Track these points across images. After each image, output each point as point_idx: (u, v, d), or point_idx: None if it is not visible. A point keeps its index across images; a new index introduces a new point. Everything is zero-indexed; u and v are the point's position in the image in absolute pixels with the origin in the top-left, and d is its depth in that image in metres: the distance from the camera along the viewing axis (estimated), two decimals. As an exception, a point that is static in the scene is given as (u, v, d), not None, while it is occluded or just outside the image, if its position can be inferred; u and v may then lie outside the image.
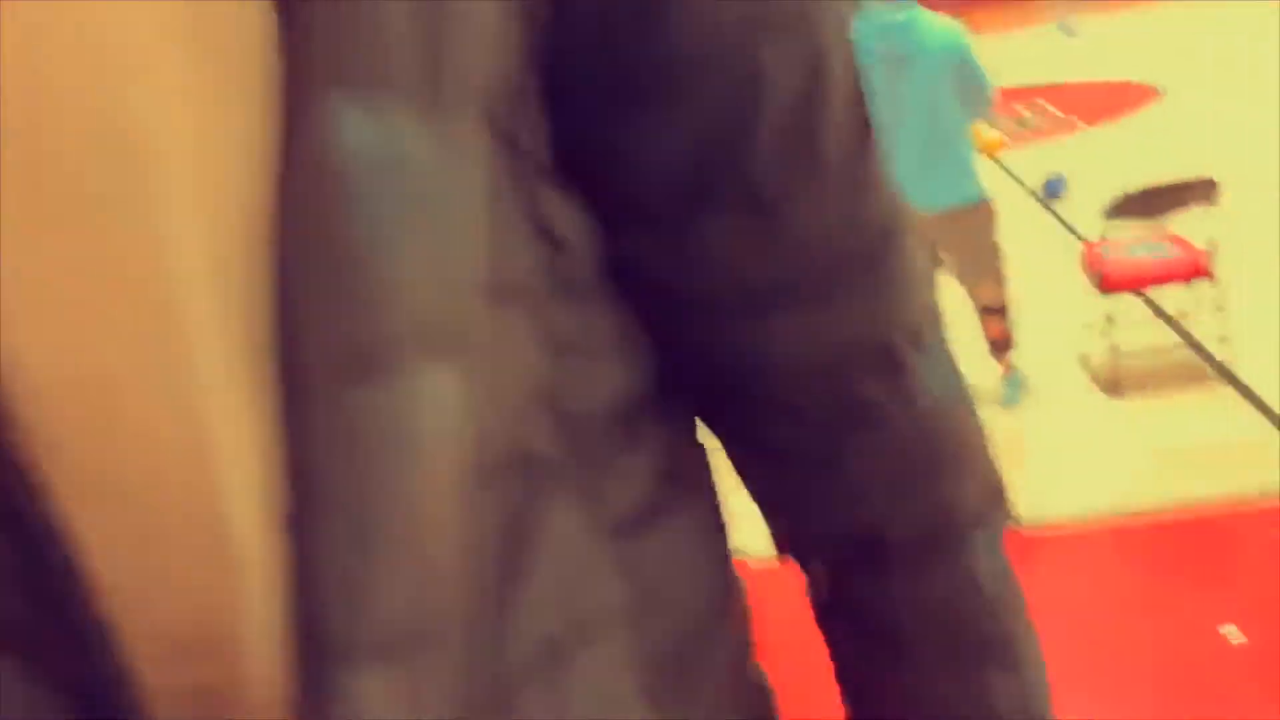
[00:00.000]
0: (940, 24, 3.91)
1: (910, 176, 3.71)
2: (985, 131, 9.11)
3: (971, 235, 3.98)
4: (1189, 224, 4.23)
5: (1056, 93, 10.67)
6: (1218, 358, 4.13)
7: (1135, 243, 4.40)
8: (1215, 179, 4.16)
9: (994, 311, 4.07)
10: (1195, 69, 10.45)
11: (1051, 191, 6.69)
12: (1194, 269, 4.17)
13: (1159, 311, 4.65)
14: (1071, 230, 4.21)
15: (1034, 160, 7.64)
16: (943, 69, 3.86)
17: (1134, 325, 4.39)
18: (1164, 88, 9.82)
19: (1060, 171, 6.82)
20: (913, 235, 0.47)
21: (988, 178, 7.95)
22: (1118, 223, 4.24)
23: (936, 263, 3.97)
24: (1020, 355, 4.11)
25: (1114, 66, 11.52)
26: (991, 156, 8.43)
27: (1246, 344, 4.04)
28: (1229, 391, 3.93)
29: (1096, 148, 8.14)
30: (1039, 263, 5.15)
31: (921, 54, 3.83)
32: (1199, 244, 4.17)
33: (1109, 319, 4.16)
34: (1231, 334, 4.05)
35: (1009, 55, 14.15)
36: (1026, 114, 9.75)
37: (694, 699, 0.45)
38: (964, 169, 4.04)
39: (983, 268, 4.03)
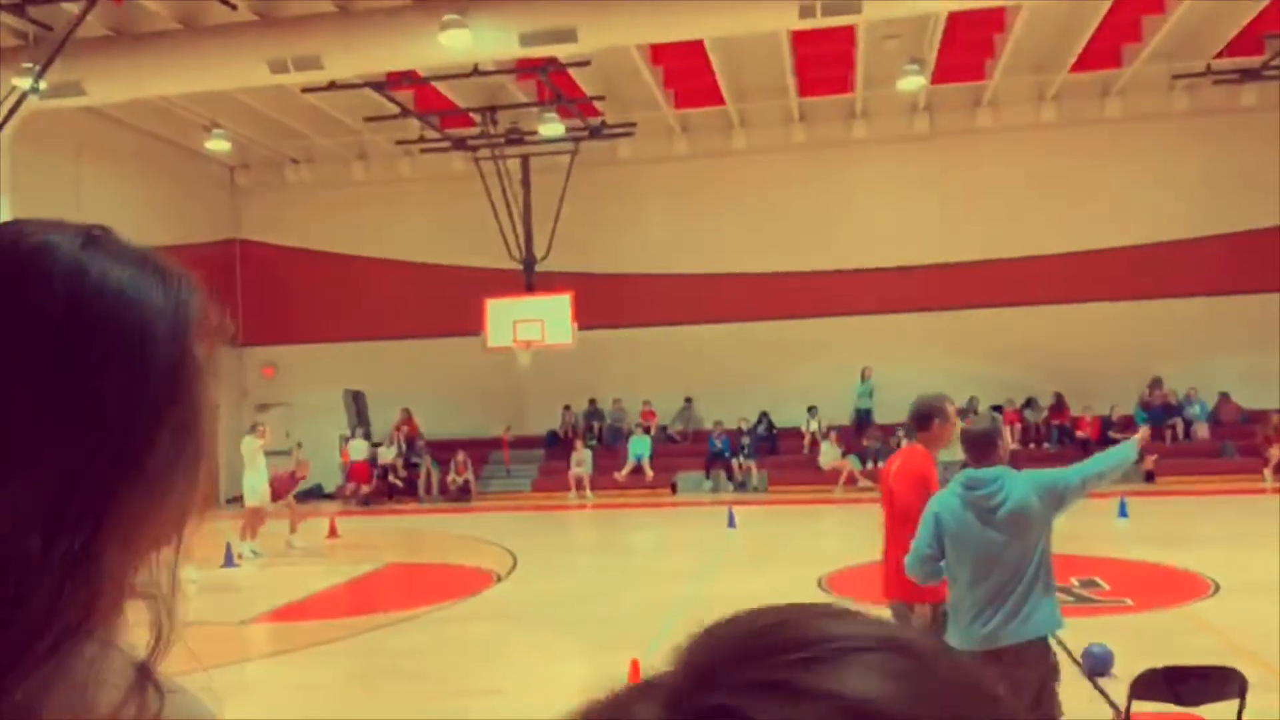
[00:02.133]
0: (1022, 477, 4.49)
1: (1014, 609, 4.27)
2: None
3: (1036, 679, 4.30)
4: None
5: (1110, 569, 11.06)
6: None
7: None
8: (1244, 673, 4.44)
9: None
10: (1250, 571, 10.79)
11: (1095, 663, 6.90)
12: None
13: (1191, 798, 4.73)
14: (1111, 703, 4.47)
15: (1084, 631, 7.92)
16: (1031, 512, 4.34)
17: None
18: (1217, 582, 10.14)
19: (1106, 645, 7.07)
20: None
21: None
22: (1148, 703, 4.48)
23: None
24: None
25: (1172, 553, 11.94)
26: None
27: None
28: None
29: (1147, 630, 8.37)
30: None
31: (1016, 500, 4.33)
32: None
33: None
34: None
35: (1072, 526, 14.72)
36: (1078, 585, 10.11)
37: None
38: (1046, 603, 4.43)
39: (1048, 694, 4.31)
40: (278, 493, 15.54)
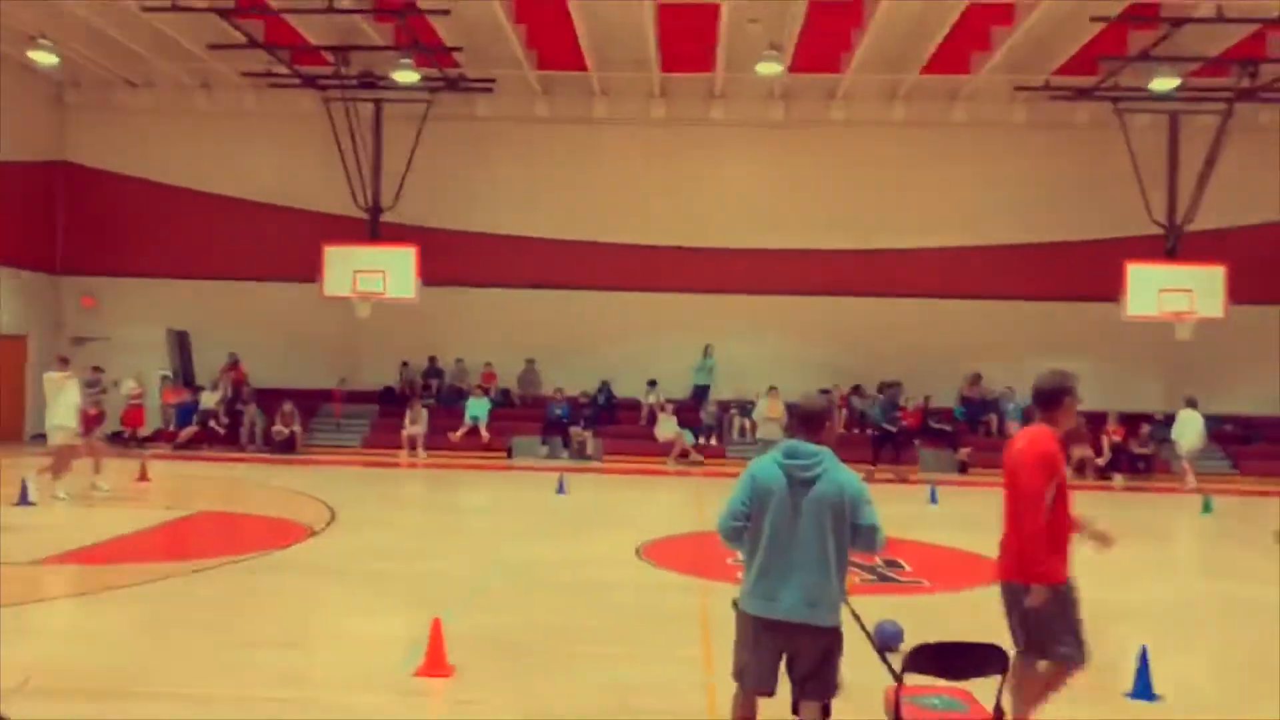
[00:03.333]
0: (846, 473, 4.54)
1: (803, 587, 4.36)
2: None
3: (818, 653, 4.46)
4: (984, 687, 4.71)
5: (914, 552, 11.58)
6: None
7: (934, 694, 4.86)
8: (1007, 650, 4.70)
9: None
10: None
11: (885, 639, 7.21)
12: (984, 730, 4.59)
13: (951, 764, 4.98)
14: (894, 674, 4.67)
15: (880, 608, 8.28)
16: (836, 504, 4.43)
17: (927, 774, 4.71)
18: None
19: (898, 622, 7.40)
20: None
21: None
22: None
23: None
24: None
25: (971, 540, 12.57)
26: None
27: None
28: None
29: (939, 610, 8.80)
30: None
31: (828, 482, 4.43)
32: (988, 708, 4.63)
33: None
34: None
35: (884, 510, 15.34)
36: (882, 565, 10.55)
37: None
38: (840, 597, 4.52)
39: (819, 688, 4.49)
40: (83, 431, 14.67)
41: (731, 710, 4.74)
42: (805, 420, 4.61)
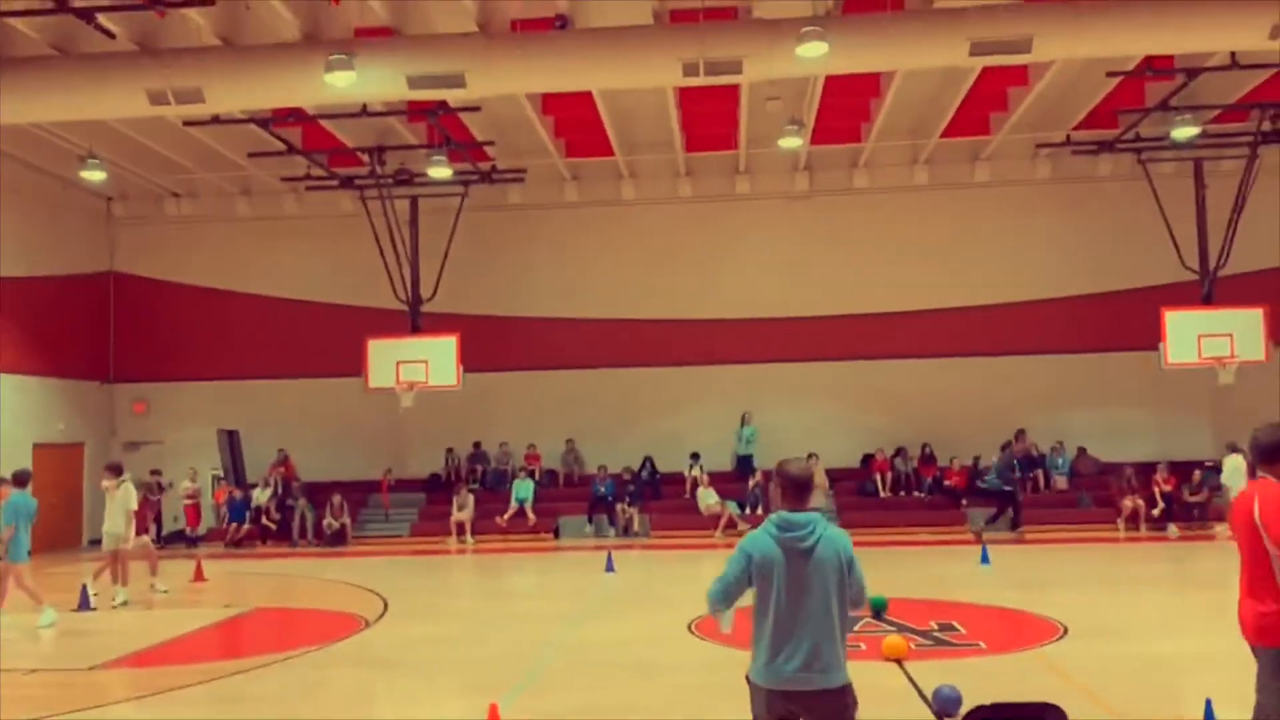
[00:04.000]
0: (835, 531, 4.63)
1: (813, 654, 4.42)
2: (890, 637, 9.80)
3: (836, 714, 4.48)
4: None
5: (968, 614, 11.48)
6: None
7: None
8: (1078, 712, 4.72)
9: None
10: (1099, 615, 11.35)
11: (943, 703, 7.18)
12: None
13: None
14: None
15: (936, 672, 8.24)
16: (836, 568, 4.50)
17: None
18: (1066, 626, 10.63)
19: (956, 686, 7.36)
20: None
21: (890, 678, 8.48)
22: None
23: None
24: None
25: (1025, 598, 12.45)
26: (896, 659, 9.03)
27: None
28: None
29: (997, 672, 8.73)
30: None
31: (825, 548, 4.49)
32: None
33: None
34: None
35: (935, 573, 15.22)
36: (936, 629, 10.47)
37: None
38: (842, 654, 4.57)
39: None
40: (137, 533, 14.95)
41: None
42: (795, 488, 4.62)
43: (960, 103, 19.12)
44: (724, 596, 4.64)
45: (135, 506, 14.40)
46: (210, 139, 19.87)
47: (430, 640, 10.90)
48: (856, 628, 10.72)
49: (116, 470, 14.60)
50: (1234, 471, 19.12)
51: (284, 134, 19.33)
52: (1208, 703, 6.46)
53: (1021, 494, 20.85)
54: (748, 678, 4.64)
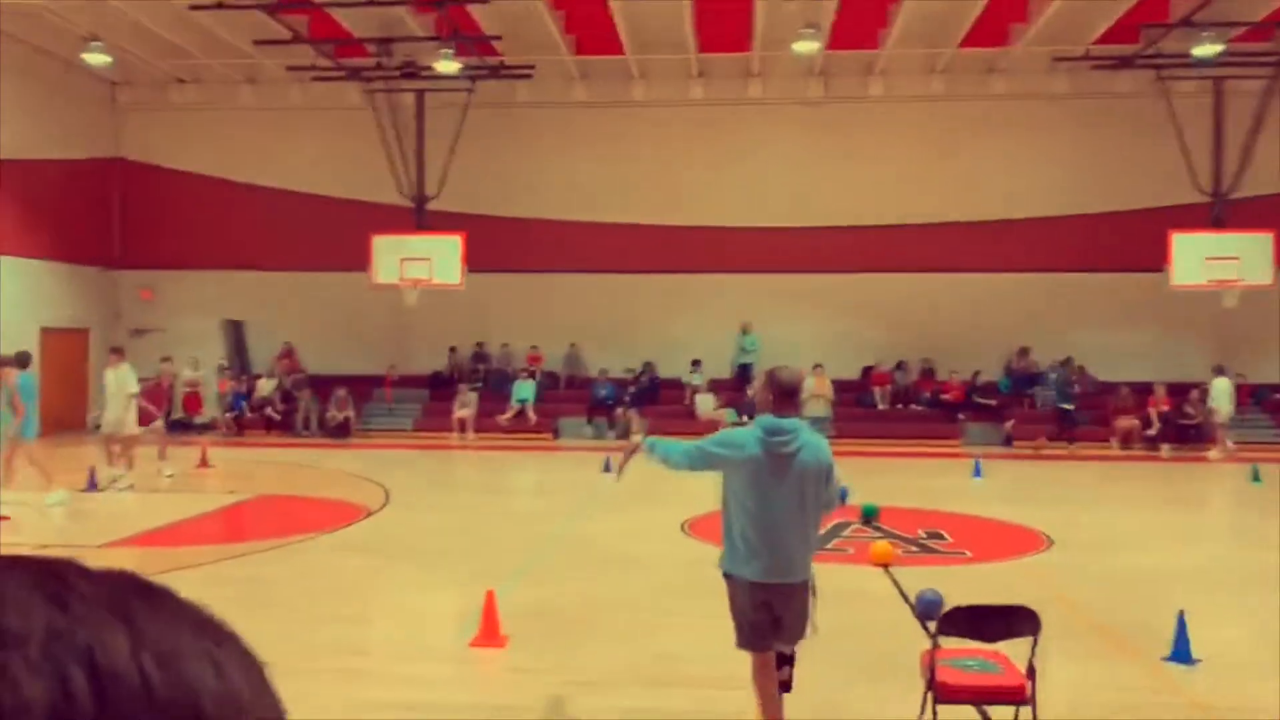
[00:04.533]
0: (816, 438, 4.90)
1: (792, 550, 4.80)
2: (878, 543, 10.01)
3: (801, 604, 4.92)
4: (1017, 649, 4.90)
5: (957, 524, 11.73)
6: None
7: (969, 656, 5.06)
8: (1037, 613, 4.89)
9: (786, 659, 4.95)
10: (1084, 530, 11.58)
11: (926, 607, 7.40)
12: (1018, 692, 4.80)
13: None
14: (931, 638, 4.89)
15: (921, 577, 8.47)
16: (816, 474, 4.80)
17: (960, 731, 4.92)
18: (1052, 539, 10.87)
19: (939, 591, 7.57)
20: None
21: (877, 582, 8.70)
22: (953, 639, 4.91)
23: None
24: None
25: (1014, 512, 12.69)
26: (883, 564, 9.26)
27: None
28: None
29: (980, 580, 8.96)
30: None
31: (808, 453, 4.79)
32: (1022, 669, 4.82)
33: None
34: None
35: (928, 484, 15.47)
36: (924, 537, 10.72)
37: None
38: (812, 553, 4.97)
39: (800, 629, 4.95)
40: (143, 420, 15.17)
41: (755, 679, 5.00)
42: (785, 394, 4.85)
43: (980, 12, 18.73)
44: (686, 460, 5.04)
45: (135, 390, 14.56)
46: (215, 24, 19.55)
47: (430, 530, 11.17)
48: (847, 532, 10.97)
49: (119, 354, 14.77)
50: (1221, 394, 19.31)
51: (290, 21, 19.01)
52: (1180, 614, 6.66)
53: (1018, 409, 21.02)
54: (726, 573, 4.94)
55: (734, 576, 4.91)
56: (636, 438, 5.43)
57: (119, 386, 14.27)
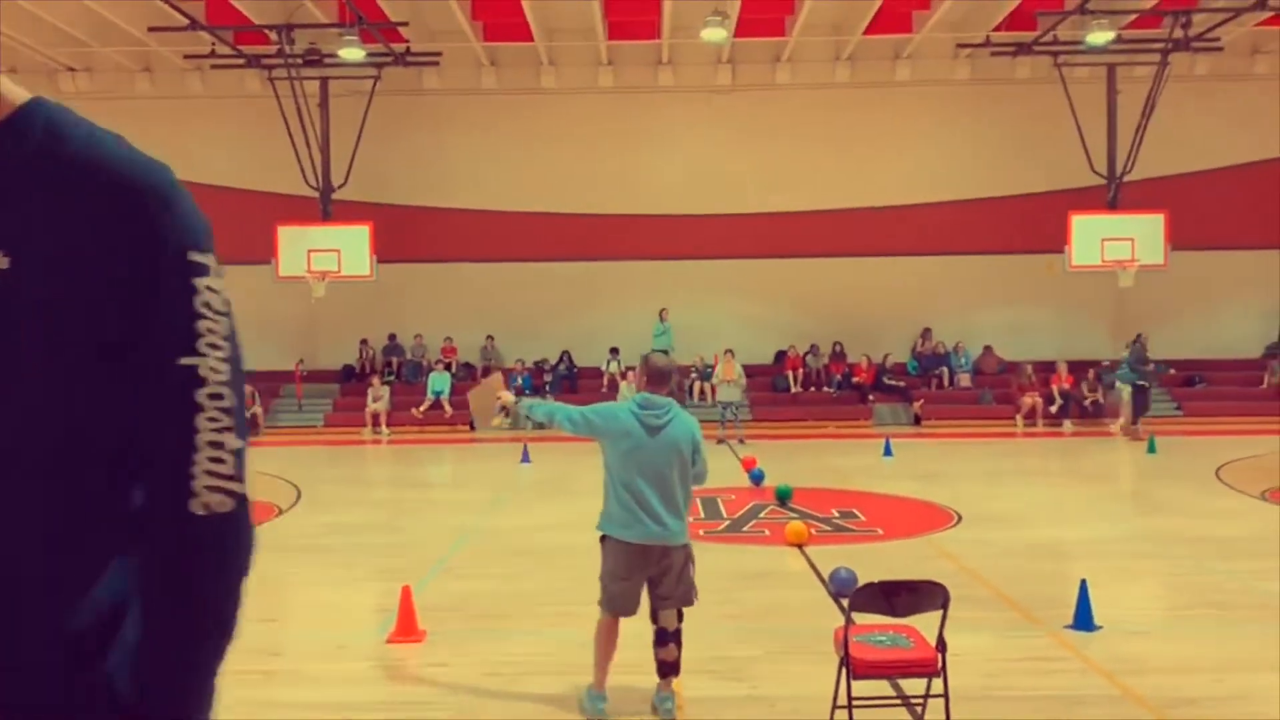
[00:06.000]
0: (687, 416, 5.47)
1: (666, 515, 5.25)
2: (793, 523, 10.14)
3: (680, 567, 5.34)
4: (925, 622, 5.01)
5: (868, 503, 11.96)
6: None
7: (881, 631, 5.16)
8: (946, 586, 5.01)
9: (672, 636, 5.33)
10: (990, 505, 11.91)
11: (839, 584, 7.54)
12: (929, 664, 4.91)
13: (901, 696, 5.32)
14: (844, 614, 4.98)
15: (835, 556, 8.63)
16: (684, 447, 5.34)
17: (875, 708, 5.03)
18: (960, 514, 11.15)
19: (852, 569, 7.72)
20: None
21: (792, 562, 8.81)
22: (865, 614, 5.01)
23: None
24: None
25: (923, 489, 12.99)
26: (798, 544, 9.40)
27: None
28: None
29: (892, 556, 9.16)
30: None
31: (678, 427, 5.33)
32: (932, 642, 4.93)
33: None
34: None
35: (840, 464, 15.74)
36: (837, 516, 10.91)
37: None
38: (685, 520, 5.45)
39: (681, 596, 5.36)
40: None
41: (598, 639, 5.40)
42: (656, 376, 5.47)
43: (884, -1, 19.05)
44: (569, 424, 5.47)
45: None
46: (107, 11, 18.86)
47: (344, 528, 11.00)
48: (763, 514, 11.11)
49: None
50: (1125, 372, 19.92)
51: (187, 8, 18.44)
52: (1082, 583, 6.89)
53: (924, 389, 21.50)
54: (603, 535, 5.36)
55: (610, 538, 5.34)
56: (505, 395, 5.82)
57: None
